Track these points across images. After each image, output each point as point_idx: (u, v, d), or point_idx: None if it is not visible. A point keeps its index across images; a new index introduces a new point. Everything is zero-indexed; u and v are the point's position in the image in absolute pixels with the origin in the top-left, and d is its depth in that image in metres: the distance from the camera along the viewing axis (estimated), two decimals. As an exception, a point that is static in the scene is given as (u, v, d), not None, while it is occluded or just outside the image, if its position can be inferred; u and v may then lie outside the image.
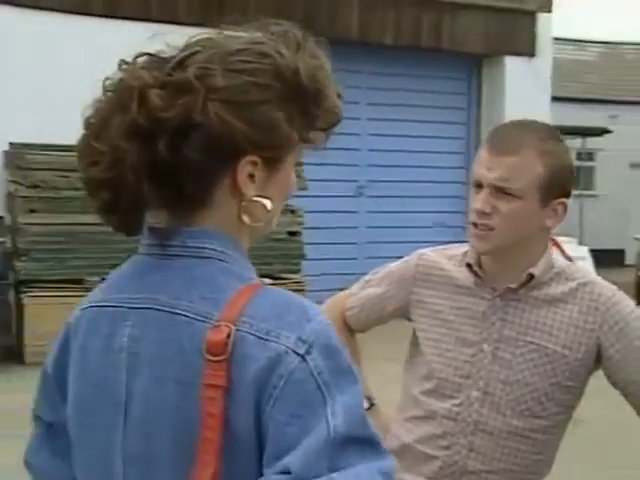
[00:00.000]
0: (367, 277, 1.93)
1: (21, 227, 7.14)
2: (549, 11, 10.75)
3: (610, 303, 1.68)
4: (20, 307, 7.07)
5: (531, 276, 1.69)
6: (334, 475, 0.87)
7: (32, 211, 7.23)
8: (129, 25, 7.87)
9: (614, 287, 1.73)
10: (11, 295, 7.29)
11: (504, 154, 1.64)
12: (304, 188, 7.26)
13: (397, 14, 9.75)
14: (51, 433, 1.11)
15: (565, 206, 1.69)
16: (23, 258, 7.16)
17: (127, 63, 0.99)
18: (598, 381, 1.76)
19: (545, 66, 10.75)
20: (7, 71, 7.67)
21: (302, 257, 7.97)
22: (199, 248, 0.99)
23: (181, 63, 0.96)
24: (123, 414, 0.98)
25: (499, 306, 1.71)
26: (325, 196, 9.34)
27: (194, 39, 0.99)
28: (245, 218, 1.00)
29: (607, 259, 12.37)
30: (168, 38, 0.98)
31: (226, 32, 1.00)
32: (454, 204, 10.84)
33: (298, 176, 1.47)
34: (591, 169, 16.66)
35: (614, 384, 1.70)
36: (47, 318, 6.98)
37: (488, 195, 1.64)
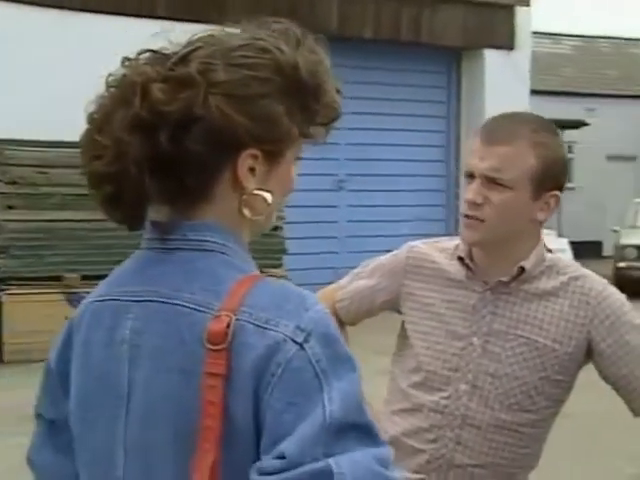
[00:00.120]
0: (356, 270, 1.92)
1: (-1, 224, 7.06)
2: (527, 5, 10.81)
3: (601, 297, 1.68)
4: (-2, 305, 7.00)
5: (522, 269, 1.69)
6: (330, 460, 0.88)
7: (10, 207, 7.16)
8: (104, 19, 7.79)
9: (605, 281, 1.73)
10: (-11, 293, 7.20)
11: (496, 144, 1.63)
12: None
13: (377, 8, 9.75)
14: (53, 430, 1.11)
15: (557, 199, 1.68)
16: (1, 255, 7.09)
17: (130, 60, 1.00)
18: (588, 374, 1.76)
19: (524, 59, 10.81)
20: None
21: (284, 252, 7.96)
22: (200, 241, 1.00)
23: (183, 58, 0.98)
24: (125, 405, 1.00)
25: (489, 299, 1.71)
26: (305, 190, 9.31)
27: (196, 36, 1.01)
28: (246, 212, 1.01)
29: (585, 251, 12.49)
30: (170, 35, 1.00)
31: (227, 29, 1.03)
32: (434, 197, 10.87)
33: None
34: (568, 162, 16.80)
35: (605, 378, 1.70)
36: (26, 316, 6.92)
37: (480, 185, 1.63)
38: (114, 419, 1.00)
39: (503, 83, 10.28)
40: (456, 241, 1.78)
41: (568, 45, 19.22)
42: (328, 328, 0.95)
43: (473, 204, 1.63)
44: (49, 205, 7.13)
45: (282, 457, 0.88)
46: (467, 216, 1.65)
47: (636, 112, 17.66)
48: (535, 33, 12.16)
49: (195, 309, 0.96)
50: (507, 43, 10.64)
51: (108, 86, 1.00)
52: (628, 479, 4.61)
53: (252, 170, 1.00)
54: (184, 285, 0.98)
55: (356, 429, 0.91)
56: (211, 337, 0.93)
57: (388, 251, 1.90)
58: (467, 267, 1.73)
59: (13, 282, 6.97)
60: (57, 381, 1.09)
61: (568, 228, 12.27)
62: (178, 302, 0.97)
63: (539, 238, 1.73)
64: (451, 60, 10.85)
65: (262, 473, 0.89)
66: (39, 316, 6.89)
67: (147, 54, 1.00)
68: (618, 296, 1.71)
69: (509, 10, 10.65)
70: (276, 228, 7.79)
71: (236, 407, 0.92)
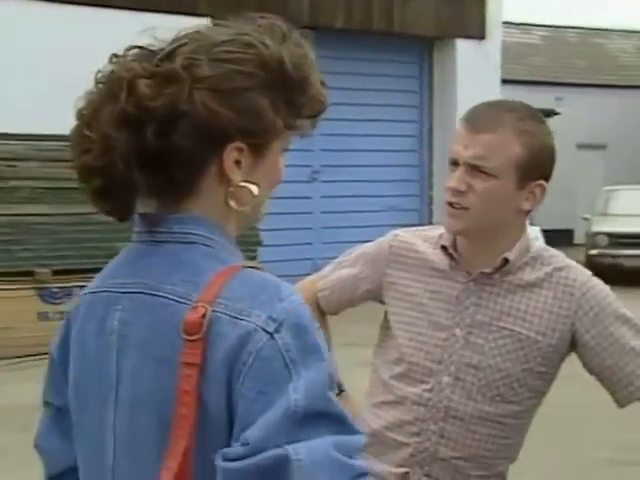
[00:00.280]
0: (339, 259, 1.89)
1: (-33, 218, 6.94)
2: (498, -6, 10.85)
3: (585, 288, 1.67)
4: (-32, 301, 6.88)
5: (506, 261, 1.67)
6: (288, 447, 0.90)
7: (-22, 202, 7.03)
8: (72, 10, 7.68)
9: (589, 272, 1.72)
10: (-42, 289, 7.08)
11: (481, 132, 1.61)
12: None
13: (348, -3, 9.71)
14: (60, 416, 1.14)
15: (543, 189, 1.66)
16: (-30, 250, 6.96)
17: (118, 56, 1.02)
18: (572, 366, 1.76)
19: (495, 49, 10.86)
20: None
21: (259, 244, 7.93)
22: (185, 234, 1.02)
23: (169, 55, 1.00)
24: (114, 394, 1.03)
25: (473, 290, 1.69)
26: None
27: (183, 32, 1.03)
28: (232, 203, 1.03)
29: (556, 239, 12.59)
30: (157, 32, 1.02)
31: (214, 25, 1.05)
32: (408, 187, 10.90)
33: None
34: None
35: (589, 370, 1.70)
36: (-3, 311, 6.80)
37: (463, 173, 1.61)
38: (105, 406, 1.04)
39: (475, 73, 10.32)
40: (440, 230, 1.75)
41: (537, 35, 19.35)
42: (300, 318, 0.96)
43: (456, 192, 1.61)
44: (17, 199, 7.01)
45: (246, 444, 0.91)
46: (451, 204, 1.63)
47: (605, 101, 17.85)
48: (504, 23, 12.22)
49: (175, 300, 0.98)
50: (478, 33, 10.67)
51: (97, 82, 1.02)
52: (605, 464, 4.66)
53: (238, 163, 1.01)
54: (167, 277, 1.00)
55: (324, 417, 0.93)
56: (187, 327, 0.95)
57: (363, 241, 1.88)
58: (451, 257, 1.71)
59: (-18, 278, 6.86)
60: (60, 371, 1.12)
61: (540, 216, 12.37)
62: (160, 294, 1.00)
63: (524, 229, 1.71)
64: (423, 50, 10.86)
65: (226, 459, 0.92)
66: (11, 312, 6.79)
67: (135, 50, 1.02)
68: (602, 287, 1.70)
69: (480, 0, 10.69)
70: (250, 220, 7.74)
71: (210, 396, 0.95)
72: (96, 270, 1.17)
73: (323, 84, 1.07)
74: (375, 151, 10.38)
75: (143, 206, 1.04)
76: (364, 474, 0.93)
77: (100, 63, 1.03)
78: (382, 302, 1.81)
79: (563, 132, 16.91)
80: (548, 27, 19.65)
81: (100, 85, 1.01)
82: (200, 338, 0.94)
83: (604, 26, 20.40)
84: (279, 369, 0.93)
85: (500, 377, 1.66)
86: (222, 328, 0.95)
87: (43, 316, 7.03)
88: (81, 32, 7.74)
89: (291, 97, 1.02)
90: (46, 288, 7.06)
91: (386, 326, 1.79)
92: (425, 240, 1.77)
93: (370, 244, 1.85)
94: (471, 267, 1.69)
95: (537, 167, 1.64)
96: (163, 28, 1.02)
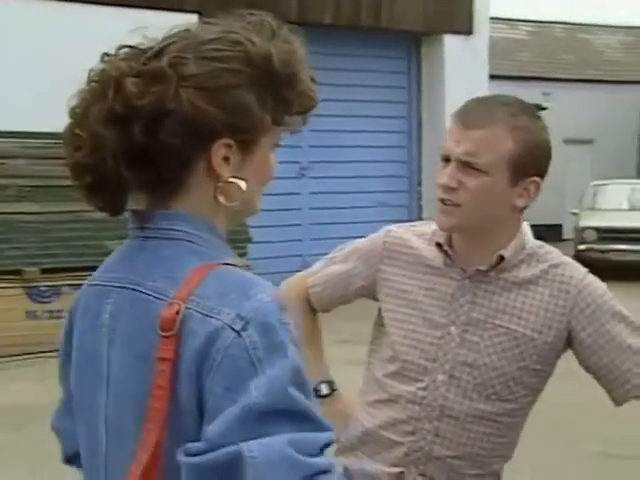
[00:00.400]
0: (330, 255, 1.86)
1: (-47, 217, 6.88)
2: (485, -10, 10.85)
3: (581, 285, 1.66)
4: (-44, 300, 6.82)
5: (501, 258, 1.66)
6: (243, 444, 0.91)
7: (-36, 200, 6.97)
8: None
9: (585, 269, 1.71)
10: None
11: (472, 127, 1.59)
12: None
13: (336, -7, 9.69)
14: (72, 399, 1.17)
15: (538, 185, 1.65)
16: (-43, 249, 6.91)
17: (109, 55, 1.04)
18: (568, 363, 1.75)
19: (482, 44, 10.87)
20: None
21: (248, 241, 7.90)
22: (170, 230, 1.04)
23: (158, 53, 1.01)
24: (106, 385, 1.06)
25: (468, 288, 1.67)
26: (268, 178, 9.27)
27: (172, 31, 1.04)
28: (221, 199, 1.04)
29: (545, 234, 12.61)
30: (147, 31, 1.03)
31: (204, 24, 1.06)
32: (396, 183, 10.89)
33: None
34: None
35: (586, 368, 1.69)
36: (-15, 311, 6.76)
37: (455, 170, 1.59)
38: (98, 397, 1.07)
39: (462, 68, 10.32)
40: (434, 226, 1.73)
41: (524, 30, 19.37)
42: (267, 317, 0.97)
43: (447, 188, 1.60)
44: (5, 197, 6.96)
45: (206, 439, 0.93)
46: (442, 201, 1.62)
47: (592, 96, 17.90)
48: (492, 18, 12.24)
49: (154, 296, 1.01)
50: (466, 28, 10.67)
51: (89, 81, 1.03)
52: (600, 460, 4.66)
53: (226, 159, 1.02)
54: (149, 273, 1.03)
55: (286, 414, 0.93)
56: (162, 324, 0.97)
57: (353, 237, 1.86)
58: (445, 254, 1.69)
59: (-30, 277, 6.80)
60: (67, 360, 1.15)
61: (528, 211, 12.38)
62: (141, 289, 1.03)
63: (519, 226, 1.70)
64: (411, 45, 10.85)
65: (187, 454, 0.94)
66: (1, 311, 6.74)
67: (125, 49, 1.03)
68: (599, 284, 1.69)
69: (468, -5, 10.69)
70: (239, 217, 7.72)
71: (182, 391, 0.97)
72: (85, 268, 1.18)
73: (313, 80, 1.07)
74: (364, 147, 10.37)
75: (135, 202, 1.06)
76: (324, 472, 0.93)
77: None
78: (376, 299, 1.79)
79: (550, 127, 16.95)
80: (535, 22, 19.68)
81: (92, 83, 1.03)
82: (173, 334, 0.97)
83: (589, 21, 20.46)
84: (245, 366, 0.94)
85: (496, 375, 1.65)
86: (194, 325, 0.97)
87: (31, 315, 6.99)
88: (81, 31, 7.67)
89: (279, 93, 1.03)
90: (34, 287, 7.02)
91: (380, 323, 1.77)
92: (419, 236, 1.75)
93: (363, 240, 1.82)
94: (466, 264, 1.68)
95: (532, 163, 1.62)
96: (156, 27, 1.03)
